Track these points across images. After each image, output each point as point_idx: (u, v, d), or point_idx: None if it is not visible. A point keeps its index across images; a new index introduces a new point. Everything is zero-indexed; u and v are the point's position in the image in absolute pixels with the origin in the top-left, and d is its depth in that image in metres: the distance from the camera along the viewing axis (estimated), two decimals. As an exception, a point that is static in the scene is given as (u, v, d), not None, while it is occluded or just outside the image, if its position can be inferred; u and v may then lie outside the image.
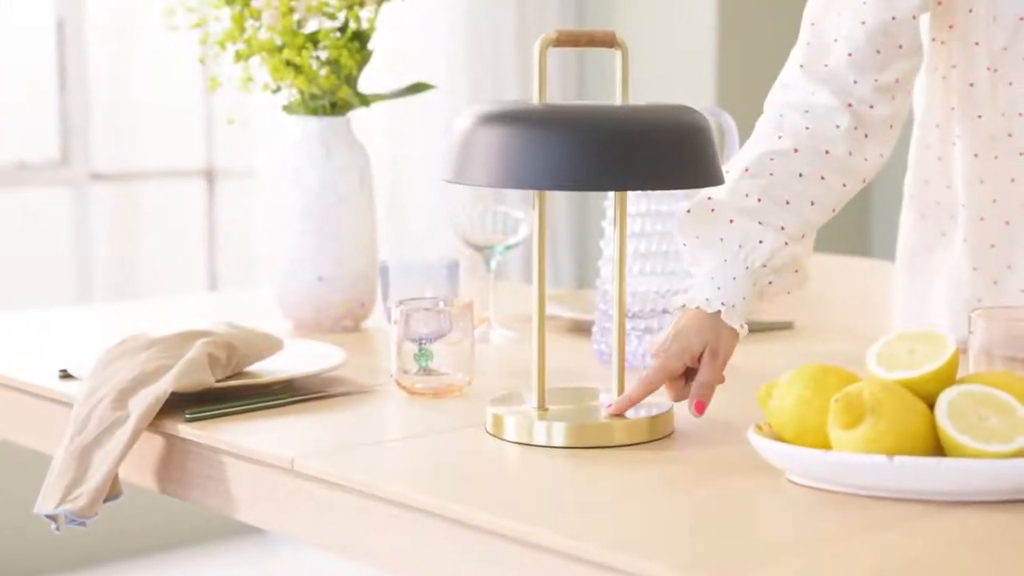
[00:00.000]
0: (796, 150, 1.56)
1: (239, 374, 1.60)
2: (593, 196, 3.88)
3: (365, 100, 1.98)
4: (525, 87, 3.83)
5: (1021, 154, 1.68)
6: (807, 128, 1.57)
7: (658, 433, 1.40)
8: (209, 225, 3.84)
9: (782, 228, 1.53)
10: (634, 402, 1.42)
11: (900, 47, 1.60)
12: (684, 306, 1.48)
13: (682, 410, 1.49)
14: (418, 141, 3.71)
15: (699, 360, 1.45)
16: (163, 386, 1.48)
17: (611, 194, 1.67)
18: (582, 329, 1.96)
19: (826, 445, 1.23)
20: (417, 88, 2.03)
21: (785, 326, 1.99)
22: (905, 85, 1.62)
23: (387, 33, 3.52)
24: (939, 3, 1.67)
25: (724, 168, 1.56)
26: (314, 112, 1.96)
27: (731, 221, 1.51)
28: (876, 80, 1.59)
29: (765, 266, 1.52)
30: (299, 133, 1.97)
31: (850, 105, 1.59)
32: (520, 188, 1.32)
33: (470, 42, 3.76)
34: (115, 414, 1.46)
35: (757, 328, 1.97)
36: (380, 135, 3.61)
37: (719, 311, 1.47)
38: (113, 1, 3.64)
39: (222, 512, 1.44)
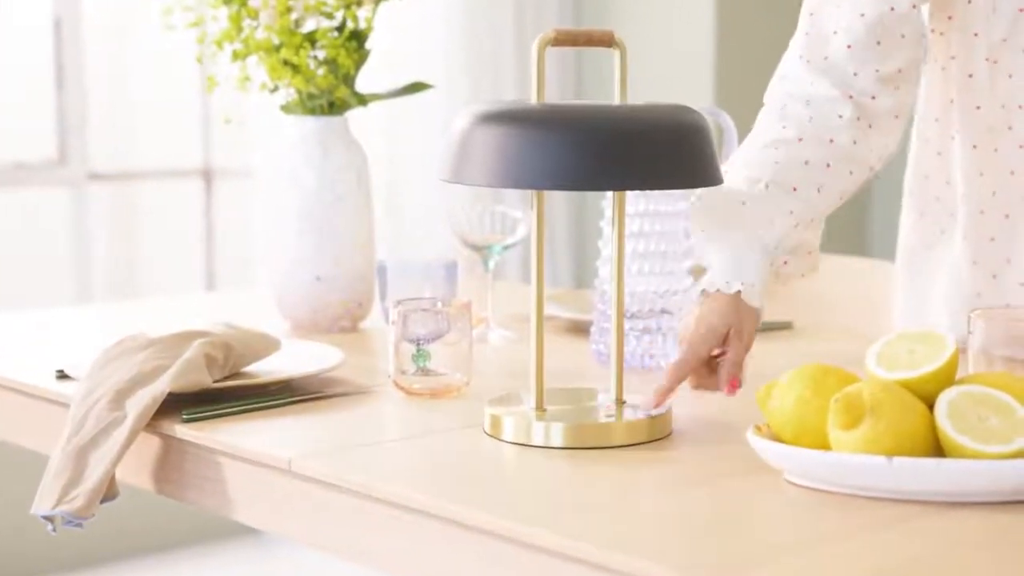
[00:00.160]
0: (800, 139, 1.57)
1: (236, 374, 1.59)
2: (591, 196, 3.88)
3: (363, 100, 1.97)
4: (523, 87, 3.82)
5: (1021, 147, 1.67)
6: (810, 118, 1.58)
7: (657, 434, 1.39)
8: (207, 225, 3.83)
9: (791, 212, 1.54)
10: (670, 391, 1.43)
11: (902, 36, 1.60)
12: (704, 292, 1.50)
13: (681, 411, 1.48)
14: (416, 141, 3.71)
15: (724, 342, 1.47)
16: (160, 386, 1.47)
17: (609, 194, 1.67)
18: (580, 329, 1.96)
19: (825, 446, 1.23)
20: (415, 88, 2.02)
21: (784, 326, 1.99)
22: (909, 74, 1.62)
23: (385, 33, 3.52)
24: None
25: (724, 168, 1.56)
26: (312, 112, 1.96)
27: (743, 204, 1.53)
28: (877, 71, 1.60)
29: (779, 247, 1.54)
30: (297, 133, 1.97)
31: (851, 97, 1.59)
32: (518, 188, 1.32)
33: (468, 42, 3.75)
34: (112, 415, 1.46)
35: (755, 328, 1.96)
36: (378, 135, 3.60)
37: (739, 292, 1.48)
38: (111, 1, 3.63)
39: (219, 513, 1.43)
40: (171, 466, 1.48)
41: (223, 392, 1.54)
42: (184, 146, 3.77)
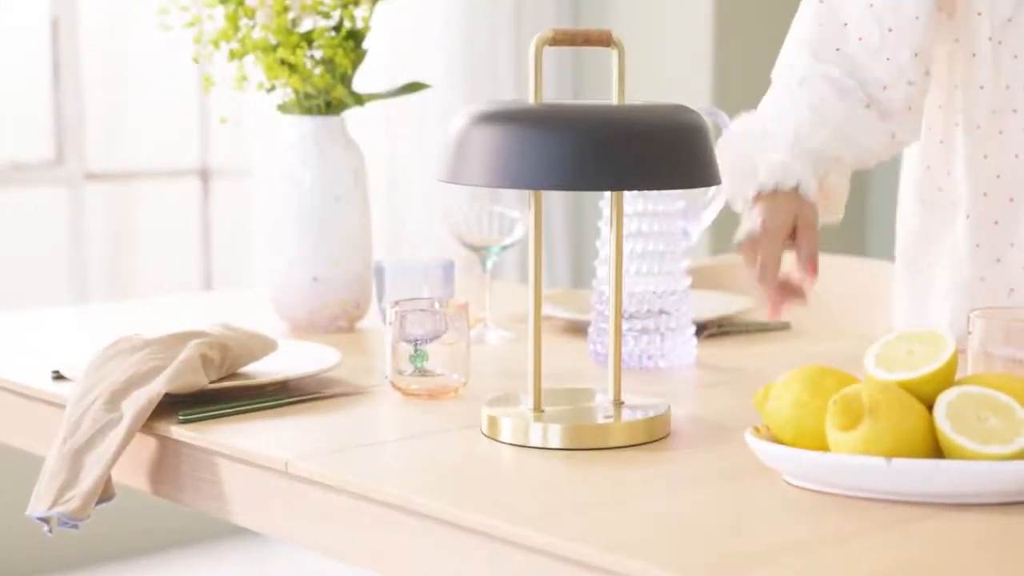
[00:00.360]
0: (822, 101, 1.61)
1: (233, 375, 1.59)
2: (589, 196, 3.87)
3: (360, 99, 1.97)
4: (521, 86, 3.82)
5: None
6: (828, 92, 1.61)
7: (655, 435, 1.39)
8: (204, 225, 3.83)
9: (826, 122, 1.61)
10: (775, 300, 1.51)
11: (916, 18, 1.61)
12: (758, 194, 1.53)
13: (679, 412, 1.48)
14: (413, 141, 3.71)
15: (792, 236, 1.52)
16: (156, 387, 1.47)
17: (607, 194, 1.67)
18: (578, 330, 1.96)
19: (824, 447, 1.22)
20: (412, 87, 2.02)
21: (782, 327, 1.98)
22: (923, 62, 1.63)
23: (382, 32, 3.52)
24: None
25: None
26: (309, 111, 1.95)
27: (779, 119, 1.61)
28: (889, 60, 1.60)
29: (821, 154, 1.61)
30: (294, 133, 1.96)
31: (863, 87, 1.60)
32: (516, 188, 1.32)
33: (466, 41, 3.75)
34: (108, 416, 1.45)
35: (754, 328, 1.96)
36: (375, 135, 3.60)
37: (796, 185, 1.50)
38: (107, 0, 3.63)
39: (216, 515, 1.43)
40: (167, 467, 1.47)
41: (220, 393, 1.53)
42: (181, 146, 3.77)
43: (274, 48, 1.90)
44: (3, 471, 3.30)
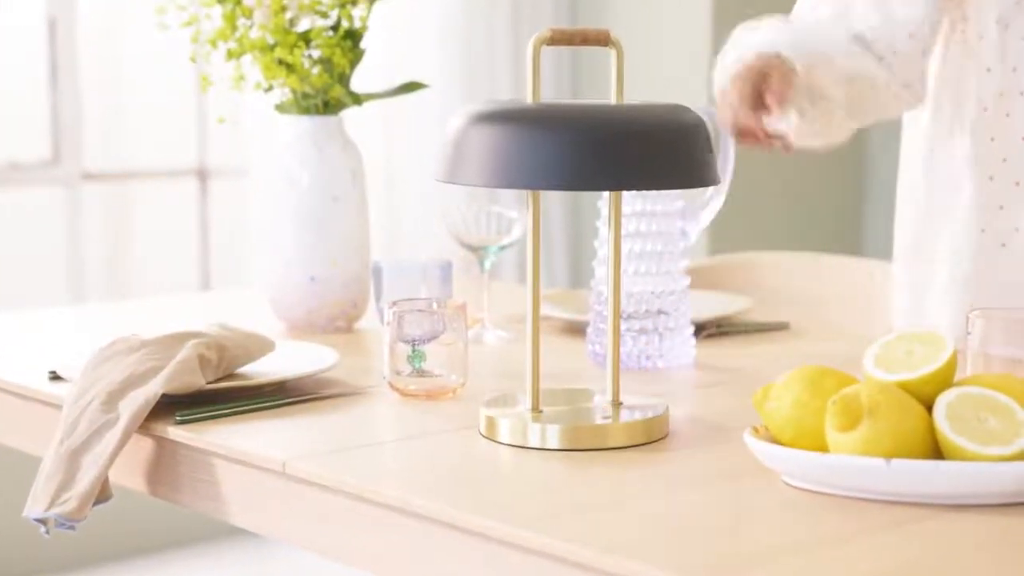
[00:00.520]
0: (827, 28, 1.70)
1: (230, 375, 1.58)
2: (587, 196, 3.87)
3: (358, 99, 1.96)
4: (519, 86, 3.82)
5: None
6: (839, 31, 1.70)
7: (653, 435, 1.38)
8: (202, 225, 3.82)
9: (818, 22, 1.69)
10: (738, 119, 1.54)
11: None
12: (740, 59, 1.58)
13: (677, 412, 1.48)
14: (411, 141, 3.70)
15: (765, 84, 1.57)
16: (153, 388, 1.47)
17: (605, 194, 1.66)
18: (576, 330, 1.95)
19: (823, 448, 1.22)
20: (410, 87, 2.01)
21: (781, 327, 1.98)
22: (931, 27, 1.68)
23: (380, 32, 3.51)
24: None
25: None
26: (306, 111, 1.95)
27: (780, 29, 1.67)
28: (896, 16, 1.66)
29: (813, 46, 1.63)
30: (291, 132, 1.96)
31: (873, 43, 1.64)
32: (514, 188, 1.31)
33: (463, 41, 3.75)
34: (105, 416, 1.45)
35: (753, 329, 1.96)
36: (373, 134, 3.60)
37: (776, 54, 1.58)
38: (105, 0, 3.62)
39: (213, 515, 1.43)
40: (164, 468, 1.47)
41: (217, 393, 1.53)
42: (179, 146, 3.76)
43: (272, 48, 1.90)
44: (0, 472, 3.29)
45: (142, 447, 1.48)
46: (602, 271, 1.74)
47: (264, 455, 1.35)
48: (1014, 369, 1.32)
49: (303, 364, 1.63)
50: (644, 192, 1.72)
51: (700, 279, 2.33)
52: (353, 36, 1.94)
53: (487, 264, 1.93)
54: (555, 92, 3.91)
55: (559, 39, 1.38)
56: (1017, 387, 1.22)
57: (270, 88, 1.94)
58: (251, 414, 1.49)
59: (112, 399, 1.47)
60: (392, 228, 3.71)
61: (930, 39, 1.71)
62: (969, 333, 1.36)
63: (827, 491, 1.20)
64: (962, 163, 1.73)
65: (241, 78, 1.93)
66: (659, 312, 1.73)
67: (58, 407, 1.55)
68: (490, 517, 1.15)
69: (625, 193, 1.70)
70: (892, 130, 1.88)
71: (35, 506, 1.40)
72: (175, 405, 1.49)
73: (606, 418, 1.39)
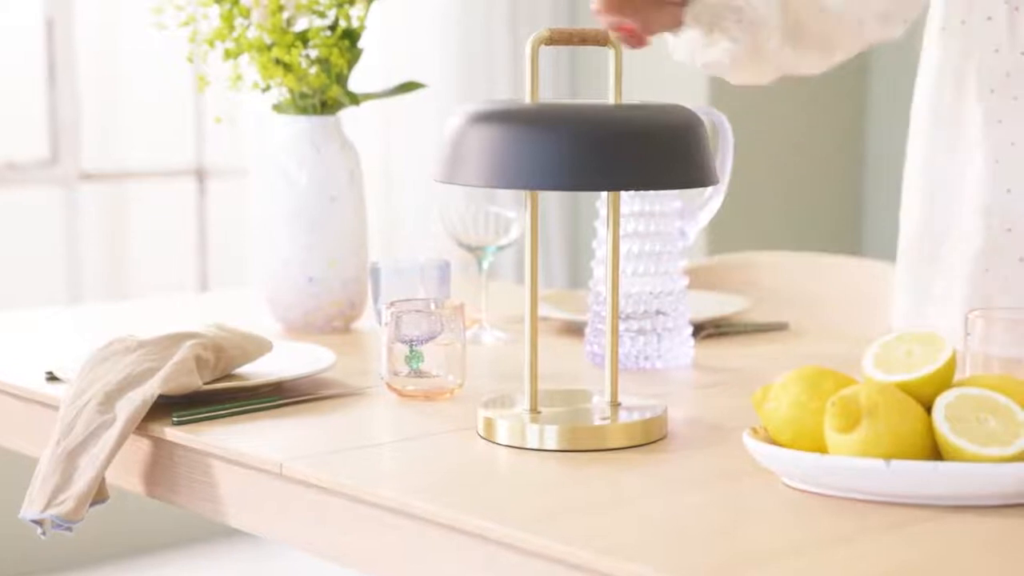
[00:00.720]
0: None
1: (227, 376, 1.58)
2: (585, 196, 3.87)
3: (355, 99, 1.96)
4: (517, 86, 3.81)
5: None
6: None
7: (652, 436, 1.38)
8: (200, 225, 3.82)
9: None
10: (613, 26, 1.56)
11: None
12: None
13: (676, 413, 1.47)
14: (409, 141, 3.70)
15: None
16: (150, 389, 1.46)
17: (604, 194, 1.66)
18: (575, 330, 1.95)
19: (822, 449, 1.21)
20: (408, 87, 2.01)
21: (780, 327, 1.98)
22: None
23: (378, 32, 3.51)
24: None
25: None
26: (304, 111, 1.94)
27: None
28: None
29: None
30: (289, 132, 1.95)
31: None
32: (512, 188, 1.31)
33: (462, 41, 3.74)
34: (102, 417, 1.44)
35: (752, 329, 1.96)
36: (371, 134, 3.59)
37: None
38: (102, 0, 3.62)
39: (210, 516, 1.42)
40: (161, 469, 1.46)
41: (214, 394, 1.53)
42: (176, 146, 3.76)
43: (269, 48, 1.89)
44: (-3, 472, 3.29)
45: (139, 448, 1.48)
46: (600, 271, 1.73)
47: (261, 456, 1.35)
48: (1013, 370, 1.32)
49: (300, 365, 1.63)
50: (642, 192, 1.72)
51: (698, 279, 2.33)
52: (351, 36, 1.93)
53: (485, 264, 1.93)
54: (554, 92, 3.91)
55: (558, 39, 1.38)
56: (1016, 388, 1.21)
57: (267, 88, 1.94)
58: (248, 415, 1.49)
59: (109, 400, 1.46)
60: (390, 228, 3.71)
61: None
62: (969, 334, 1.36)
63: (826, 492, 1.19)
64: (969, 146, 1.72)
65: (238, 78, 1.93)
66: (657, 312, 1.73)
67: (55, 408, 1.54)
68: (488, 518, 1.15)
69: (623, 193, 1.70)
70: (892, 130, 1.87)
71: (31, 507, 1.39)
72: (172, 406, 1.48)
73: (604, 419, 1.39)
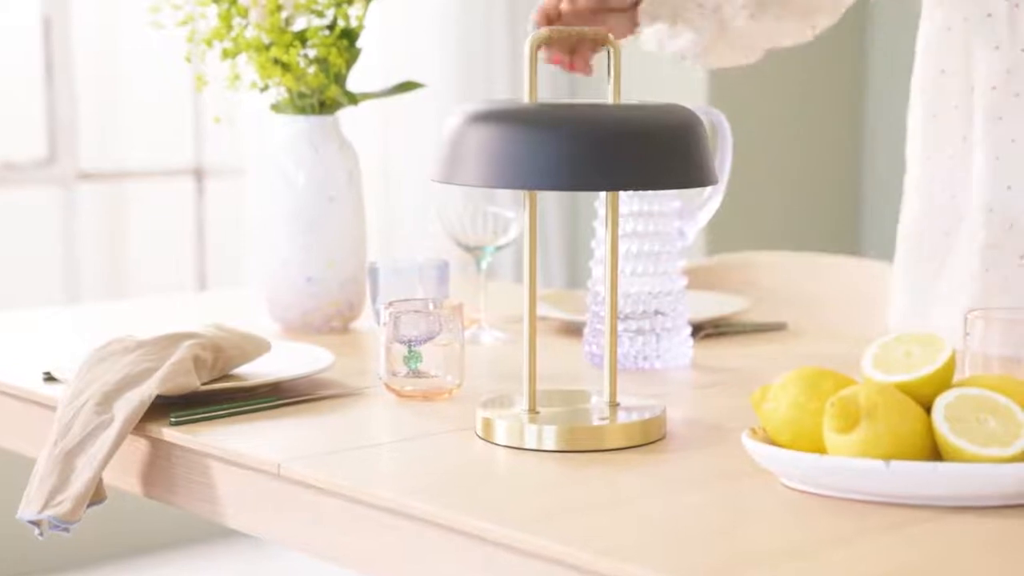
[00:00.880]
0: None
1: (225, 376, 1.58)
2: (584, 196, 3.87)
3: (354, 99, 1.96)
4: (516, 86, 3.81)
5: None
6: None
7: (650, 436, 1.38)
8: (198, 224, 3.81)
9: None
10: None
11: None
12: None
13: (675, 414, 1.47)
14: (408, 140, 3.69)
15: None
16: (148, 389, 1.46)
17: (603, 194, 1.66)
18: (573, 330, 1.95)
19: (821, 449, 1.21)
20: (407, 87, 2.01)
21: (779, 327, 1.97)
22: None
23: (376, 31, 3.51)
24: None
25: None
26: (302, 111, 1.94)
27: None
28: None
29: None
30: (287, 132, 1.95)
31: None
32: (510, 188, 1.31)
33: (460, 40, 3.74)
34: (99, 418, 1.44)
35: (750, 329, 1.96)
36: (369, 134, 3.59)
37: None
38: (100, -1, 3.62)
39: (208, 517, 1.42)
40: (159, 470, 1.46)
41: (212, 394, 1.52)
42: (175, 145, 3.76)
43: (267, 47, 1.89)
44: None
45: (137, 448, 1.48)
46: (599, 271, 1.73)
47: (259, 457, 1.35)
48: (1013, 370, 1.32)
49: (299, 365, 1.62)
50: (641, 192, 1.72)
51: (697, 279, 2.32)
52: (349, 35, 1.93)
53: (484, 264, 1.92)
54: (552, 92, 3.91)
55: (556, 39, 1.37)
56: (1016, 388, 1.21)
57: (266, 88, 1.94)
58: (246, 415, 1.49)
59: (107, 400, 1.46)
60: (388, 228, 3.70)
61: None
62: (968, 334, 1.36)
63: (825, 493, 1.19)
64: (970, 144, 1.72)
65: (236, 77, 1.92)
66: (656, 312, 1.73)
67: (53, 408, 1.54)
68: (486, 519, 1.15)
69: (622, 193, 1.69)
70: (891, 130, 1.87)
71: (29, 508, 1.39)
72: (170, 406, 1.48)
73: (603, 419, 1.39)
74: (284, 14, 1.89)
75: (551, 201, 3.91)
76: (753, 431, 1.26)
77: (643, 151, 1.31)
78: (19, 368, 1.70)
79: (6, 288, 3.53)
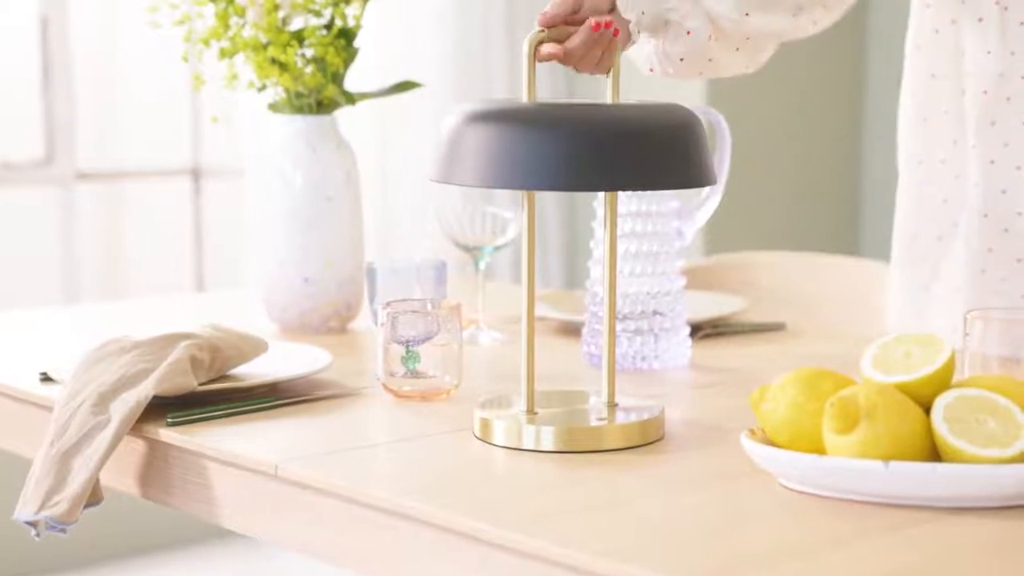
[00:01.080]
0: None
1: (222, 377, 1.57)
2: (583, 196, 3.86)
3: (351, 99, 1.95)
4: (514, 86, 3.81)
5: None
6: None
7: (649, 437, 1.37)
8: (196, 225, 3.81)
9: None
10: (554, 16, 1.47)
11: None
12: None
13: (674, 414, 1.47)
14: (406, 140, 3.69)
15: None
16: (145, 390, 1.45)
17: (601, 195, 1.65)
18: (572, 331, 1.94)
19: (820, 450, 1.21)
20: (404, 86, 2.00)
21: (777, 327, 1.97)
22: None
23: (374, 31, 3.50)
24: None
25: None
26: (300, 111, 1.94)
27: None
28: None
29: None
30: (284, 132, 1.95)
31: None
32: (509, 188, 1.30)
33: (458, 40, 3.73)
34: (96, 418, 1.44)
35: (749, 329, 1.95)
36: (367, 134, 3.58)
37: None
38: (98, -1, 3.61)
39: (205, 518, 1.41)
40: (156, 470, 1.46)
41: (209, 395, 1.52)
42: (173, 145, 3.75)
43: (264, 47, 1.89)
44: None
45: (133, 449, 1.47)
46: (597, 271, 1.73)
47: (256, 457, 1.34)
48: (1012, 370, 1.32)
49: (296, 365, 1.62)
50: (640, 192, 1.71)
51: (696, 279, 2.32)
52: (347, 35, 1.93)
53: (482, 265, 1.92)
54: (551, 92, 3.90)
55: (555, 38, 1.37)
56: (1016, 389, 1.21)
57: (263, 87, 1.93)
58: (243, 416, 1.48)
59: (103, 401, 1.46)
60: (386, 228, 3.70)
61: None
62: (967, 334, 1.35)
63: (824, 494, 1.19)
64: (963, 148, 1.71)
65: (234, 77, 1.92)
66: (655, 313, 1.72)
67: (49, 409, 1.54)
68: (483, 520, 1.14)
69: (621, 193, 1.69)
70: (890, 130, 1.87)
71: (25, 508, 1.39)
72: (167, 407, 1.47)
73: (601, 419, 1.38)
74: (281, 13, 1.89)
75: (550, 201, 3.91)
76: (752, 432, 1.26)
77: (642, 151, 1.30)
78: (16, 368, 1.70)
79: (4, 288, 3.53)
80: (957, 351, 1.27)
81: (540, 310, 1.95)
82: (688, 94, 3.72)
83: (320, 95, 1.93)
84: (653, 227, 1.73)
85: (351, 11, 1.92)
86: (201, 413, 1.46)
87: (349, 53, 1.93)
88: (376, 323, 1.71)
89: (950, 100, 1.73)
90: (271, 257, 1.94)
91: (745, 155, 2.96)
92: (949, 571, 1.04)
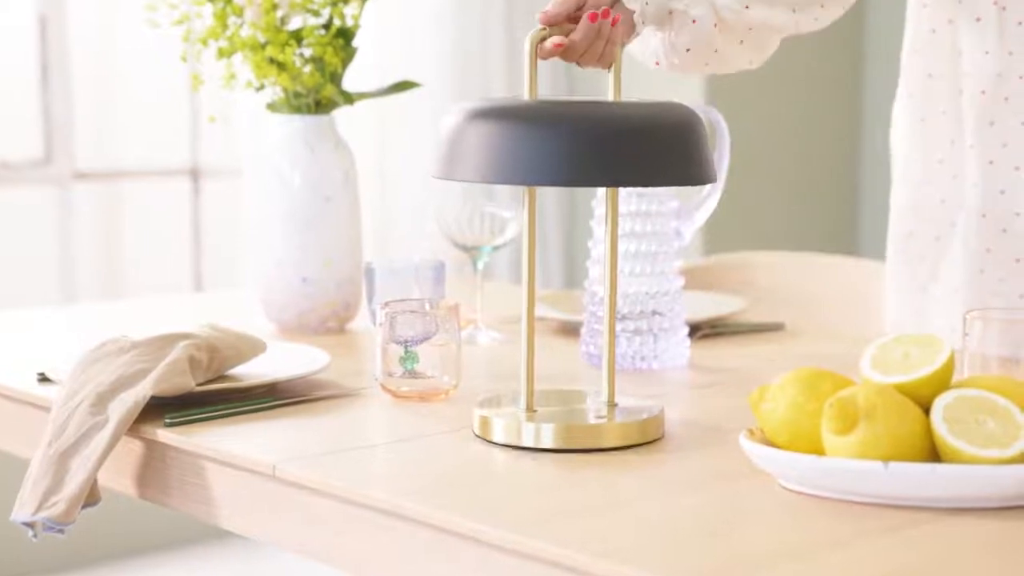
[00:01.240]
0: None
1: (221, 377, 1.57)
2: (582, 196, 3.86)
3: (350, 98, 1.95)
4: (513, 86, 3.80)
5: None
6: None
7: (648, 437, 1.37)
8: (194, 224, 3.81)
9: None
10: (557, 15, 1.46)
11: None
12: None
13: (673, 414, 1.46)
14: (404, 140, 3.69)
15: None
16: (143, 390, 1.45)
17: (600, 194, 1.65)
18: (571, 331, 1.94)
19: (820, 451, 1.21)
20: (403, 86, 2.00)
21: (776, 327, 1.97)
22: None
23: (372, 30, 3.50)
24: None
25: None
26: (298, 110, 1.93)
27: None
28: None
29: None
30: (283, 132, 1.94)
31: None
32: (509, 184, 1.30)
33: (457, 39, 3.73)
34: (94, 419, 1.43)
35: (748, 329, 1.95)
36: (365, 134, 3.58)
37: None
38: (96, -2, 3.61)
39: (203, 519, 1.41)
40: (153, 471, 1.45)
41: (207, 395, 1.52)
42: (171, 145, 3.75)
43: (263, 46, 1.88)
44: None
45: (131, 450, 1.47)
46: (596, 271, 1.72)
47: (254, 458, 1.34)
48: (1012, 370, 1.31)
49: (294, 366, 1.62)
50: (639, 192, 1.71)
51: (695, 279, 2.32)
52: (345, 34, 1.92)
53: (480, 265, 1.92)
54: (551, 89, 3.90)
55: (555, 36, 1.37)
56: (1015, 389, 1.20)
57: (261, 87, 1.93)
58: (241, 416, 1.48)
59: (101, 401, 1.45)
60: (385, 228, 3.70)
61: None
62: (967, 334, 1.35)
63: (823, 494, 1.18)
64: (962, 148, 1.71)
65: (232, 77, 1.92)
66: (653, 313, 1.72)
67: (47, 409, 1.53)
68: (481, 520, 1.14)
69: (620, 193, 1.68)
70: (888, 130, 1.86)
71: (23, 509, 1.38)
72: (165, 407, 1.47)
73: (600, 418, 1.38)
74: (279, 13, 1.88)
75: (549, 201, 3.91)
76: (751, 432, 1.26)
77: (643, 148, 1.30)
78: (14, 368, 1.69)
79: (1, 288, 3.53)
80: (956, 351, 1.27)
81: (539, 310, 1.95)
82: (688, 93, 3.72)
83: (318, 95, 1.93)
84: (652, 227, 1.72)
85: (349, 11, 1.92)
86: (199, 413, 1.46)
87: (347, 53, 1.93)
88: (374, 323, 1.70)
89: (948, 100, 1.73)
90: (269, 257, 1.94)
91: (744, 155, 2.96)
92: (949, 571, 1.03)
